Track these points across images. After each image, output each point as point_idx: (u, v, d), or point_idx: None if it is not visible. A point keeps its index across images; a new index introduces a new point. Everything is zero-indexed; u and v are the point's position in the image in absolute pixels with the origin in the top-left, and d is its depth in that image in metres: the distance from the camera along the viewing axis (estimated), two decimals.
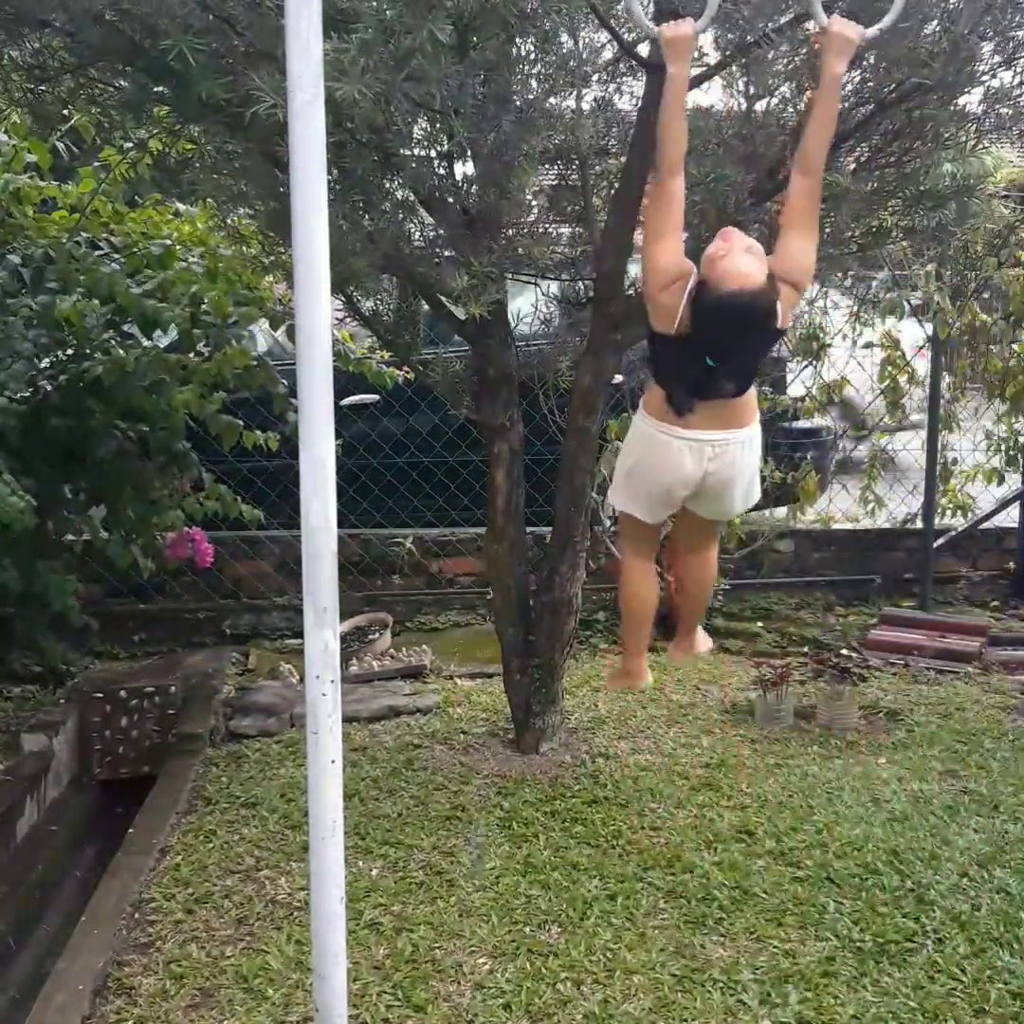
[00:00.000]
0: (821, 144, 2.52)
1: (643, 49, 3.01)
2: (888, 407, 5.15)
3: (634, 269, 3.47)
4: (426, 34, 2.12)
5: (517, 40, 2.71)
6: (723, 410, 2.65)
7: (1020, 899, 2.66)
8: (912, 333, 5.18)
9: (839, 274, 3.81)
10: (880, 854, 2.87)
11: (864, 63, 2.83)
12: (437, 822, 3.09)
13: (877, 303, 4.83)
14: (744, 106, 3.03)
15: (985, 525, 5.30)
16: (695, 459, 2.68)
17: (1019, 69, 2.90)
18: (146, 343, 3.63)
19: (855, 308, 4.90)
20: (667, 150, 2.48)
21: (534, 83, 2.85)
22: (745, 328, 2.50)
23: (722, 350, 2.52)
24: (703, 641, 3.35)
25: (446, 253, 3.05)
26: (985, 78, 2.92)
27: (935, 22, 2.67)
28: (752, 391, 2.74)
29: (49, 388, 3.51)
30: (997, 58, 2.88)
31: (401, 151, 2.80)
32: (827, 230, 3.05)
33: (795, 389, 5.21)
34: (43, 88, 3.10)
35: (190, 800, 3.28)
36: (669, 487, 2.75)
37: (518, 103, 2.79)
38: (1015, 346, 5.09)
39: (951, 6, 2.67)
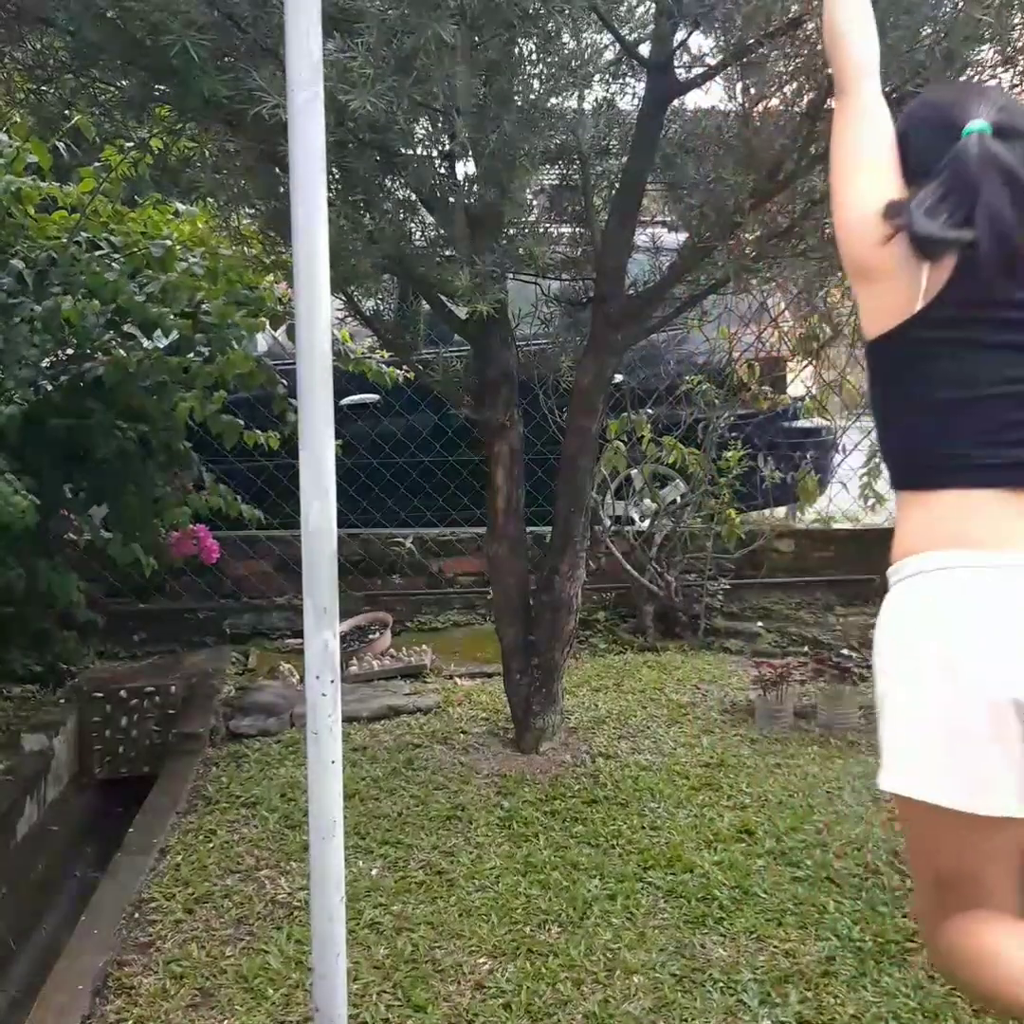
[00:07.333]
0: None
1: (644, 49, 3.01)
2: None
3: (634, 269, 3.48)
4: (431, 34, 2.12)
5: (520, 40, 2.71)
6: None
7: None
8: None
9: (839, 273, 3.81)
10: (880, 854, 2.87)
11: None
12: (437, 822, 3.08)
13: None
14: (744, 107, 3.02)
15: None
16: None
17: (1020, 69, 2.88)
18: (147, 344, 3.63)
19: (855, 307, 4.88)
20: (838, 47, 1.61)
21: (536, 83, 2.84)
22: None
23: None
24: None
25: (447, 252, 3.05)
26: (984, 80, 2.91)
27: (928, 28, 2.64)
28: None
29: (49, 388, 3.51)
30: (997, 56, 2.87)
31: (402, 150, 2.80)
32: (827, 231, 3.05)
33: (795, 389, 5.22)
34: (45, 88, 3.10)
35: (190, 800, 3.27)
36: (997, 677, 1.35)
37: (520, 103, 2.79)
38: None
39: (944, 15, 2.64)
